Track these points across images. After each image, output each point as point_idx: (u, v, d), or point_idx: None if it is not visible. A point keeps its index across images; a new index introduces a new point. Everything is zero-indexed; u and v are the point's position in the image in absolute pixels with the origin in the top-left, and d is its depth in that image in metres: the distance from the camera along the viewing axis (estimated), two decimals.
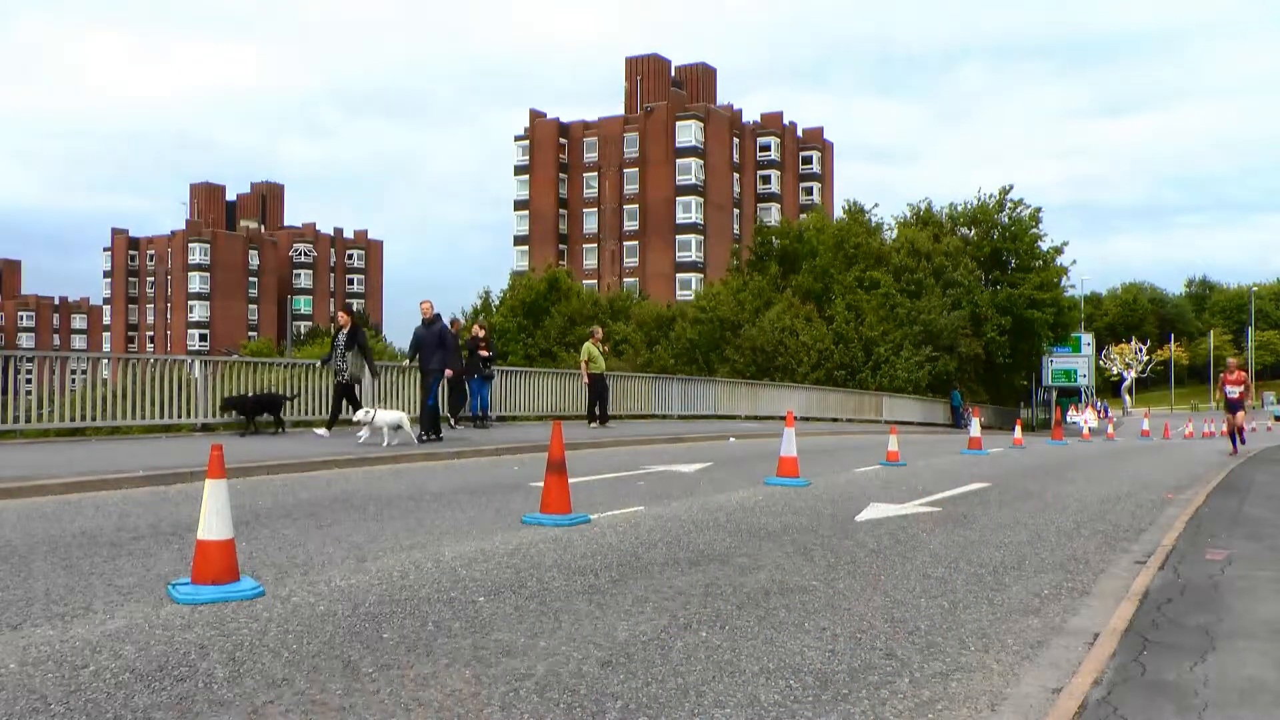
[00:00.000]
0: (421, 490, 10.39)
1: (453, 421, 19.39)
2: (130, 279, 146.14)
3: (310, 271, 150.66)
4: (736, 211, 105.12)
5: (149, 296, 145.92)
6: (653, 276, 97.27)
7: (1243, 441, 21.03)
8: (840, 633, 5.17)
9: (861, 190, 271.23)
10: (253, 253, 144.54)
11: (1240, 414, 20.63)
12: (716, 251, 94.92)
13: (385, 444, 14.07)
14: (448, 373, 16.22)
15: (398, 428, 14.44)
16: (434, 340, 16.14)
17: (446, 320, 17.22)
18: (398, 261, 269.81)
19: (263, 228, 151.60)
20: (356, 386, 16.47)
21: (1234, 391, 20.41)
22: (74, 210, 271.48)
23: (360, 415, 14.54)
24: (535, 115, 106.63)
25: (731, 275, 55.02)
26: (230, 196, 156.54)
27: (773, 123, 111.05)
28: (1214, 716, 3.88)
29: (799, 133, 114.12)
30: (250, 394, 16.48)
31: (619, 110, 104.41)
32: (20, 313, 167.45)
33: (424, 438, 15.48)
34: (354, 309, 17.55)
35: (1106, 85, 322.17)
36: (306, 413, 17.74)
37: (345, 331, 16.17)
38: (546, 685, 4.22)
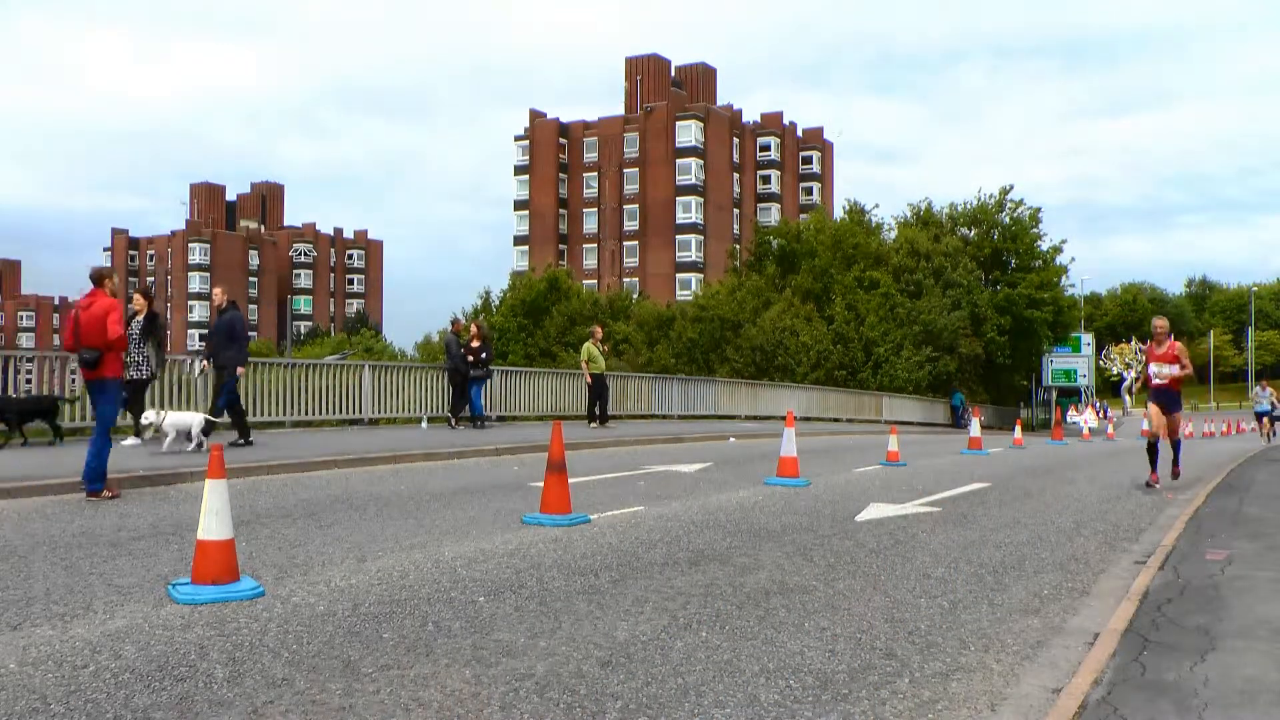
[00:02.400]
0: (421, 490, 10.39)
1: (453, 422, 19.43)
2: (130, 279, 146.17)
3: (310, 271, 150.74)
4: (736, 211, 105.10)
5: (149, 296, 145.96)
6: (653, 276, 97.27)
7: (1175, 462, 12.98)
8: (840, 633, 5.17)
9: (861, 190, 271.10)
10: (253, 253, 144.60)
11: (1178, 416, 12.56)
12: (716, 251, 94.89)
13: (165, 447, 12.42)
14: (239, 371, 14.07)
15: (189, 432, 12.78)
16: (224, 332, 14.03)
17: (447, 320, 16.31)
18: (398, 261, 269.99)
19: (263, 228, 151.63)
20: (153, 384, 14.29)
21: (1162, 375, 12.12)
22: (74, 210, 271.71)
23: (150, 416, 12.85)
24: (535, 115, 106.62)
25: (730, 275, 54.99)
26: (230, 196, 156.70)
27: (773, 123, 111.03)
28: (1214, 716, 3.88)
29: (799, 133, 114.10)
30: (17, 395, 13.89)
31: (619, 110, 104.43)
32: (20, 313, 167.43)
33: (239, 442, 13.66)
34: (150, 290, 15.17)
35: (1106, 85, 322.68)
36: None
37: (141, 318, 13.76)
38: (546, 685, 4.22)
